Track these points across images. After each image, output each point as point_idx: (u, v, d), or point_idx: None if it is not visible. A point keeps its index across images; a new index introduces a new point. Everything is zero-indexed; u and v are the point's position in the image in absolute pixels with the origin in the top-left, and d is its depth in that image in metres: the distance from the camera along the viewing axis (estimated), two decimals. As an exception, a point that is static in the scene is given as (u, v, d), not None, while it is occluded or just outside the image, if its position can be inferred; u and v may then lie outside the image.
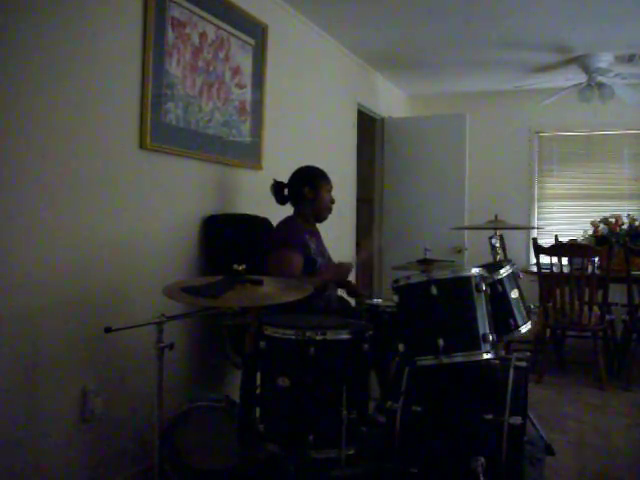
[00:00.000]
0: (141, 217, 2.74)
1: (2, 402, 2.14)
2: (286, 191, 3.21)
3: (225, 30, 3.26)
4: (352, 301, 3.70)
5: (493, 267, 2.75)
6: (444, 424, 2.25)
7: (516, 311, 2.69)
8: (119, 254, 2.61)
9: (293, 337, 2.14)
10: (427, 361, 2.22)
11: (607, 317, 4.54)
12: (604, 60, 4.97)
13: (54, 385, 2.33)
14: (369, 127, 5.90)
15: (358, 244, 5.41)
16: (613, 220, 5.28)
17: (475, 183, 5.93)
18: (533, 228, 6.17)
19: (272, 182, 3.22)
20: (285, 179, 3.22)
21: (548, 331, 4.61)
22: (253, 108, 3.57)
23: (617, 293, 4.93)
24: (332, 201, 3.22)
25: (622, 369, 4.61)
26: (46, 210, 2.27)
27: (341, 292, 3.38)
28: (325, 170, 3.24)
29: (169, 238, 2.92)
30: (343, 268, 3.12)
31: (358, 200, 5.40)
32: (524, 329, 2.69)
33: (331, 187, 3.23)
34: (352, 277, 5.07)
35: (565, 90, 5.34)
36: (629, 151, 6.17)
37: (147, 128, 2.71)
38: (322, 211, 3.20)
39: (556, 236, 4.60)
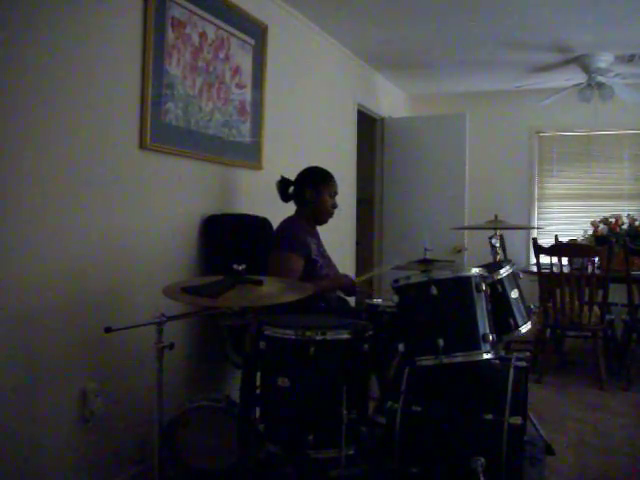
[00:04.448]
0: (141, 217, 2.74)
1: (2, 402, 2.13)
2: (291, 189, 3.21)
3: (225, 30, 3.26)
4: (352, 301, 3.71)
5: (493, 267, 2.75)
6: (444, 424, 2.25)
7: (516, 311, 2.68)
8: (119, 254, 2.61)
9: (293, 337, 2.15)
10: (427, 361, 2.22)
11: (607, 317, 4.54)
12: (604, 60, 4.97)
13: (54, 385, 2.33)
14: (369, 127, 5.90)
15: (358, 242, 5.41)
16: (613, 220, 5.28)
17: (475, 183, 5.93)
18: (533, 228, 6.17)
19: (279, 178, 3.21)
20: (289, 178, 3.22)
21: (548, 331, 4.61)
22: (253, 108, 3.57)
23: (617, 293, 4.93)
24: (334, 206, 3.19)
25: (622, 369, 4.61)
26: (46, 210, 2.27)
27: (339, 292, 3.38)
28: (330, 171, 3.23)
29: (169, 238, 2.92)
30: (346, 283, 3.11)
31: (358, 200, 5.40)
32: (524, 329, 2.69)
33: (335, 191, 3.20)
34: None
35: (565, 90, 5.34)
36: (629, 151, 6.17)
37: (147, 128, 2.70)
38: (322, 215, 3.19)
39: (556, 236, 4.60)
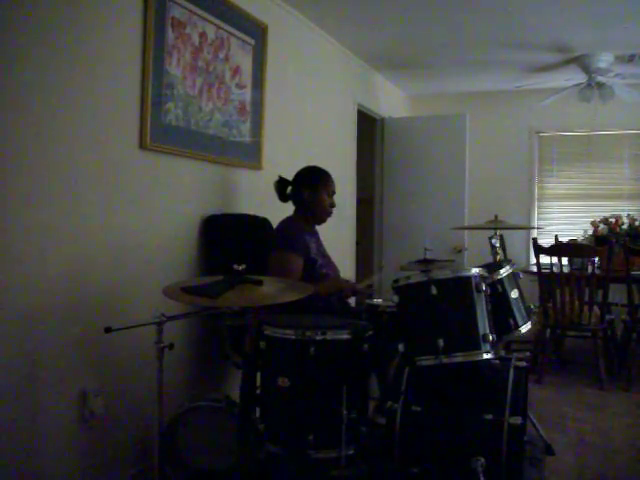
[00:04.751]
0: (141, 217, 2.74)
1: (2, 402, 2.13)
2: (289, 189, 3.21)
3: (225, 30, 3.26)
4: (352, 301, 3.70)
5: (493, 267, 2.75)
6: (444, 424, 2.25)
7: (516, 311, 2.68)
8: (119, 254, 2.61)
9: (293, 337, 2.15)
10: (427, 361, 2.22)
11: (607, 317, 4.54)
12: (604, 60, 4.97)
13: (54, 385, 2.33)
14: (369, 127, 5.90)
15: (358, 242, 5.42)
16: (613, 220, 5.28)
17: (475, 183, 5.93)
18: (533, 228, 6.17)
19: (277, 178, 3.22)
20: (288, 178, 3.22)
21: (548, 331, 4.61)
22: (253, 108, 3.57)
23: (617, 293, 4.93)
24: (332, 205, 3.19)
25: (622, 369, 4.61)
26: (46, 210, 2.27)
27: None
28: (327, 171, 3.23)
29: (169, 238, 2.92)
30: (345, 288, 3.10)
31: (358, 200, 5.40)
32: (524, 329, 2.69)
33: (333, 191, 3.19)
34: (352, 277, 5.08)
35: (565, 90, 5.34)
36: (629, 151, 6.18)
37: (147, 128, 2.70)
38: (320, 215, 3.18)
39: (556, 236, 4.60)
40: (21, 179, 2.18)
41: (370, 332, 2.26)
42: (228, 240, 3.12)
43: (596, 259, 4.41)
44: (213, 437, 2.47)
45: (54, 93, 2.28)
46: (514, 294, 2.70)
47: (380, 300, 2.86)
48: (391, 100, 6.18)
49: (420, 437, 2.25)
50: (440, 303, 2.25)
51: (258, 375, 2.28)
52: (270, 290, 2.22)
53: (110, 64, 2.53)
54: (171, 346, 2.14)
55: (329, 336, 2.15)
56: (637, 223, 5.23)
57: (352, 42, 4.82)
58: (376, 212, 6.05)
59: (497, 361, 2.42)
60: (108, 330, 2.06)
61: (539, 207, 6.49)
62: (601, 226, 5.31)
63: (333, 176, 3.24)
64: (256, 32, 3.56)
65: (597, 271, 4.43)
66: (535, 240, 4.63)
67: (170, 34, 2.83)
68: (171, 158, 2.91)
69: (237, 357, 2.94)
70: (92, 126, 2.45)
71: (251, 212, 3.45)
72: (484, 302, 2.29)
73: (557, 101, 5.52)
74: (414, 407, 2.27)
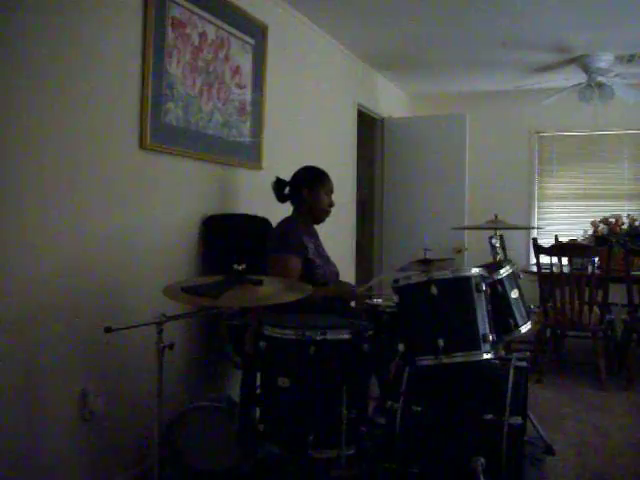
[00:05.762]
0: (141, 217, 2.74)
1: (2, 402, 2.14)
2: (287, 189, 3.21)
3: (225, 30, 3.26)
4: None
5: (493, 267, 2.75)
6: (444, 424, 2.25)
7: (516, 311, 2.68)
8: (119, 254, 2.61)
9: (293, 337, 2.14)
10: (427, 361, 2.22)
11: (607, 317, 4.54)
12: (604, 60, 4.98)
13: (54, 385, 2.33)
14: (369, 127, 5.90)
15: (358, 242, 5.41)
16: (613, 220, 5.28)
17: (475, 183, 5.93)
18: (533, 228, 6.17)
19: (274, 179, 3.22)
20: (285, 179, 3.22)
21: (548, 331, 4.61)
22: (253, 108, 3.57)
23: (617, 293, 4.93)
24: (331, 204, 3.19)
25: (622, 369, 4.61)
26: (46, 210, 2.27)
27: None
28: (325, 170, 3.23)
29: (169, 238, 2.92)
30: (349, 293, 3.10)
31: (358, 200, 5.39)
32: (524, 329, 2.69)
33: (331, 190, 3.20)
34: (352, 277, 5.08)
35: (565, 90, 5.34)
36: (629, 151, 6.18)
37: (147, 128, 2.70)
38: (319, 214, 3.18)
39: (556, 236, 4.60)
40: (21, 179, 2.18)
41: (370, 332, 2.26)
42: (228, 240, 3.11)
43: (596, 259, 4.42)
44: (213, 437, 2.47)
45: (54, 93, 2.28)
46: (514, 294, 2.70)
47: (380, 300, 2.86)
48: (391, 100, 6.18)
49: (420, 437, 2.25)
50: (440, 303, 2.25)
51: (258, 375, 2.28)
52: (270, 290, 2.22)
53: (110, 64, 2.53)
54: (171, 346, 2.14)
55: (329, 336, 2.15)
56: (637, 223, 5.23)
57: (352, 42, 4.82)
58: (376, 212, 6.05)
59: (497, 361, 2.42)
60: (108, 330, 2.06)
61: (539, 207, 6.49)
62: (601, 226, 5.31)
63: (333, 176, 3.24)
64: (256, 32, 3.56)
65: (597, 271, 4.43)
66: (535, 240, 4.63)
67: (170, 34, 2.83)
68: (171, 158, 2.91)
69: (237, 357, 2.94)
70: (92, 126, 2.45)
71: (251, 212, 3.45)
72: (484, 302, 2.29)
73: (557, 101, 5.52)
74: (414, 407, 2.27)
